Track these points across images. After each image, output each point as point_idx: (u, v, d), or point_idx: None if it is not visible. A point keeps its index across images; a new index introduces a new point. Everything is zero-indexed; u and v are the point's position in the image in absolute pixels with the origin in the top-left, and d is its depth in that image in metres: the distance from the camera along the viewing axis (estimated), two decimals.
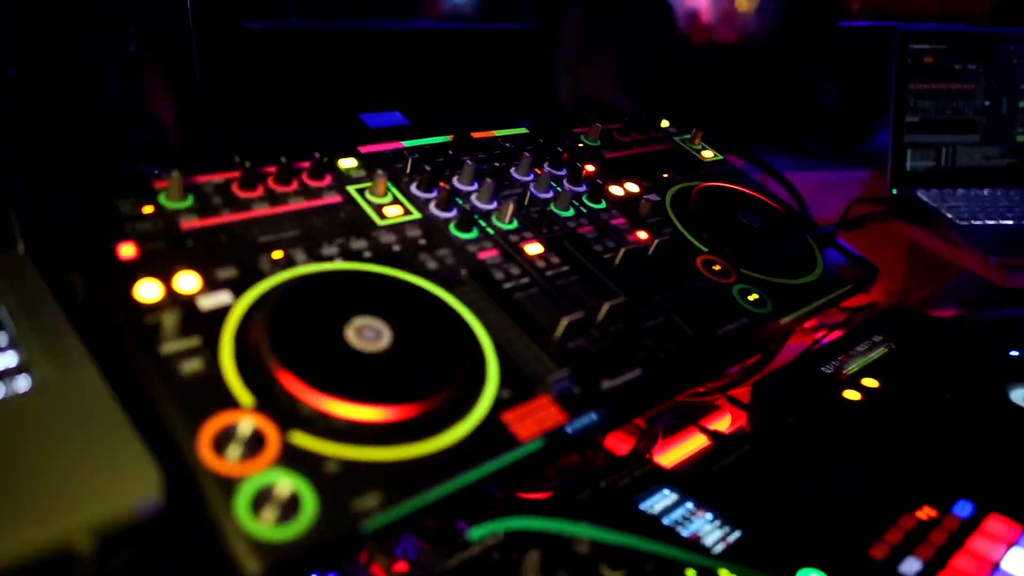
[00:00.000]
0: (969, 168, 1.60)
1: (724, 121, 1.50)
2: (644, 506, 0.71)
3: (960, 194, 1.54)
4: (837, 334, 1.09)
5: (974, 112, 1.60)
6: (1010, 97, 1.61)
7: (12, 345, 0.54)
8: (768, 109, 1.78)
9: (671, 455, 0.97)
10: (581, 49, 1.50)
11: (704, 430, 0.94)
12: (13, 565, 0.41)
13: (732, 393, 1.05)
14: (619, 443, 1.00)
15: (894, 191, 1.56)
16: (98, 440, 0.48)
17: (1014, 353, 1.03)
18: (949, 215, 1.45)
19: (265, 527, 0.50)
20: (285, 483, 0.52)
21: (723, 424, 1.06)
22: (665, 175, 1.09)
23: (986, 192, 1.55)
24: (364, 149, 0.90)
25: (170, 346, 0.59)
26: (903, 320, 1.11)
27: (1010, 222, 1.44)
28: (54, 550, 0.42)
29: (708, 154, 1.20)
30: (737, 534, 0.68)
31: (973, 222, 1.43)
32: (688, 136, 1.23)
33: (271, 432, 0.55)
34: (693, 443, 1.00)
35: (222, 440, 0.53)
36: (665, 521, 0.69)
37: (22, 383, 0.51)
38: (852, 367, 0.97)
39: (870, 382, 0.93)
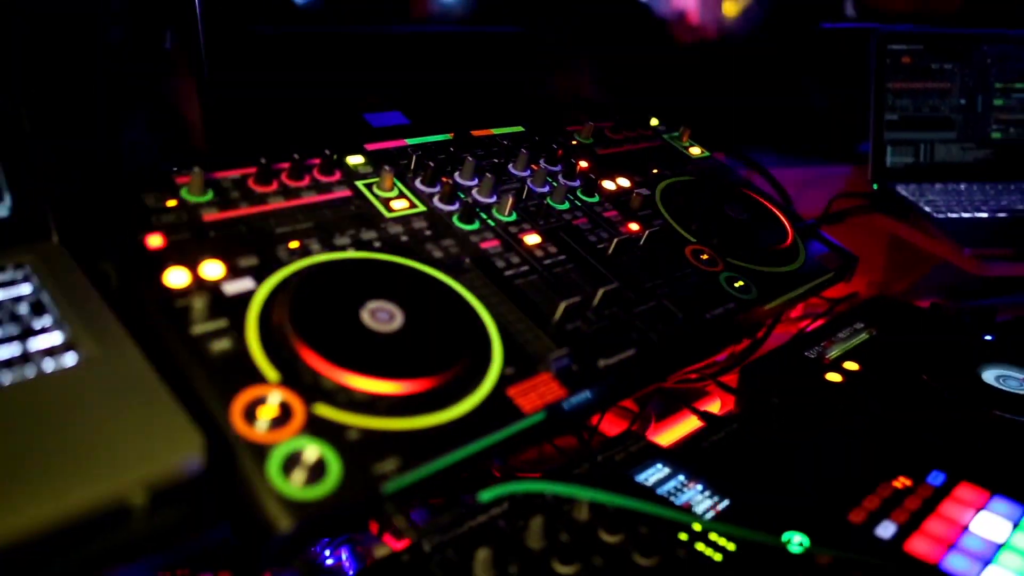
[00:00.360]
0: (946, 163, 1.66)
1: (711, 120, 1.55)
2: (639, 478, 0.75)
3: (938, 188, 1.59)
4: (821, 323, 1.14)
5: (950, 110, 1.66)
6: (984, 95, 1.67)
7: (57, 325, 0.59)
8: (755, 109, 1.83)
9: (664, 437, 1.02)
10: (572, 50, 1.54)
11: (695, 411, 0.99)
12: (76, 518, 0.46)
13: (721, 380, 1.10)
14: (614, 429, 1.04)
15: (875, 186, 1.61)
16: (143, 407, 0.53)
17: (988, 337, 1.09)
18: (927, 208, 1.50)
19: (295, 488, 0.55)
20: (312, 449, 0.57)
21: (713, 408, 1.11)
22: (655, 170, 1.14)
23: (962, 186, 1.61)
24: (370, 147, 0.95)
25: (200, 327, 0.63)
26: (883, 308, 1.17)
27: (984, 215, 1.50)
28: (111, 504, 0.47)
29: (696, 151, 1.26)
30: (726, 502, 0.73)
31: (949, 215, 1.49)
32: (676, 134, 1.28)
33: (297, 404, 0.60)
34: (684, 426, 1.05)
35: (252, 411, 0.58)
36: (659, 491, 0.74)
37: (69, 359, 0.56)
38: (834, 352, 1.02)
39: (851, 365, 0.98)
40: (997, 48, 1.67)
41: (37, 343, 0.57)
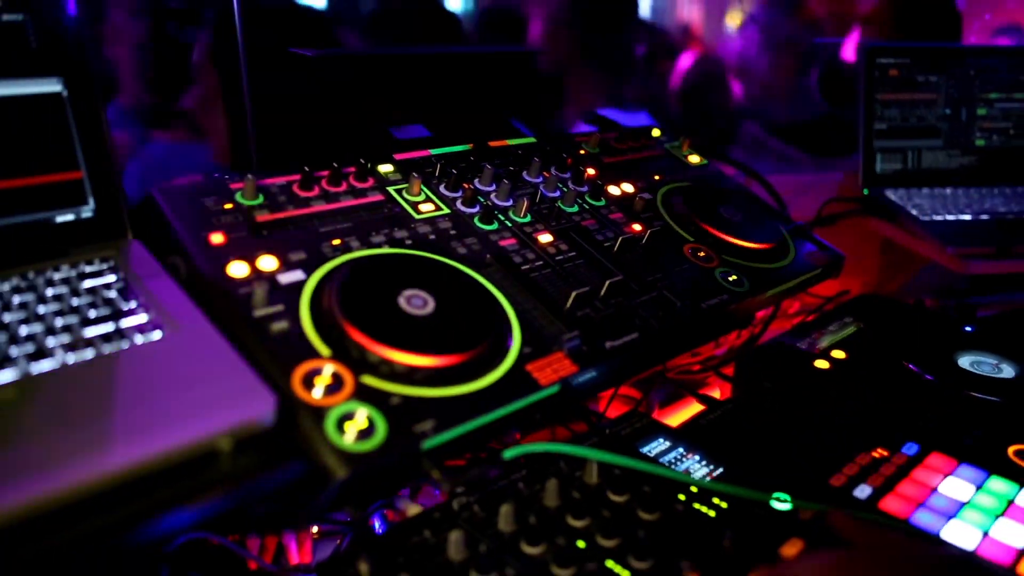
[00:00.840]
0: (933, 169, 1.75)
1: (712, 130, 1.65)
2: (644, 449, 0.85)
3: (925, 193, 1.68)
4: (813, 318, 1.22)
5: (936, 119, 1.75)
6: (968, 105, 1.76)
7: (143, 307, 0.69)
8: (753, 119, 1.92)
9: (666, 422, 1.10)
10: (581, 67, 1.64)
11: (694, 393, 1.08)
12: (176, 459, 0.56)
13: (720, 372, 1.19)
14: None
15: (865, 191, 1.70)
16: (224, 372, 0.63)
17: (968, 328, 1.18)
18: (914, 211, 1.59)
19: (349, 442, 0.64)
20: (362, 411, 0.66)
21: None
22: (656, 177, 1.24)
23: (948, 191, 1.70)
24: (398, 156, 1.05)
25: (261, 311, 0.73)
26: (871, 304, 1.26)
27: (967, 217, 1.59)
28: (204, 449, 0.57)
29: (694, 159, 1.35)
30: (720, 470, 0.82)
31: (935, 217, 1.58)
32: (677, 143, 1.38)
33: (346, 375, 0.70)
34: (685, 413, 1.14)
35: (310, 380, 0.68)
36: (661, 460, 0.83)
37: (156, 334, 0.66)
38: (824, 343, 1.11)
39: (838, 354, 1.07)
40: (980, 61, 1.77)
41: (128, 322, 0.67)
